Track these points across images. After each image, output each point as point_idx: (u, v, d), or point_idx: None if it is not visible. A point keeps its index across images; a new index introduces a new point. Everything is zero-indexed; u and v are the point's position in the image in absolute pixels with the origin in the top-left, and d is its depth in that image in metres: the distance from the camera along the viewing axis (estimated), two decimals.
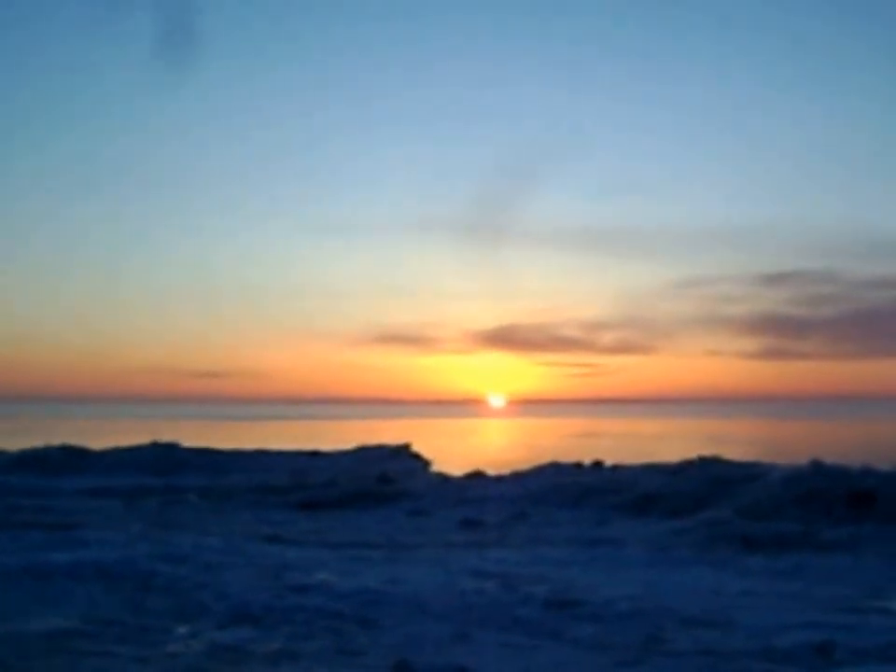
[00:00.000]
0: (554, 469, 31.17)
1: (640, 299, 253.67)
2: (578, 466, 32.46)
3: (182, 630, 10.99)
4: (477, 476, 30.98)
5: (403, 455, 39.81)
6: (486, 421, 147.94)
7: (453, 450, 58.20)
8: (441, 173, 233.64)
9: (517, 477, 29.93)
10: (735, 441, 69.52)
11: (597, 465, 32.84)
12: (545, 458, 33.61)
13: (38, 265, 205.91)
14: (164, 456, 36.39)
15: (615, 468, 31.99)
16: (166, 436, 42.17)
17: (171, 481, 30.99)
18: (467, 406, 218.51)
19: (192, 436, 51.91)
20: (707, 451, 34.14)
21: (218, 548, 16.54)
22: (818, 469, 24.23)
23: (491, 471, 32.07)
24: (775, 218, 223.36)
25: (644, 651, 9.89)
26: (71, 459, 36.17)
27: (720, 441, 65.95)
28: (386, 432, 68.87)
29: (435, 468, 37.38)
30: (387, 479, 29.26)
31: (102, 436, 55.74)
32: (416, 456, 39.86)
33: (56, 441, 39.96)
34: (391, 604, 11.95)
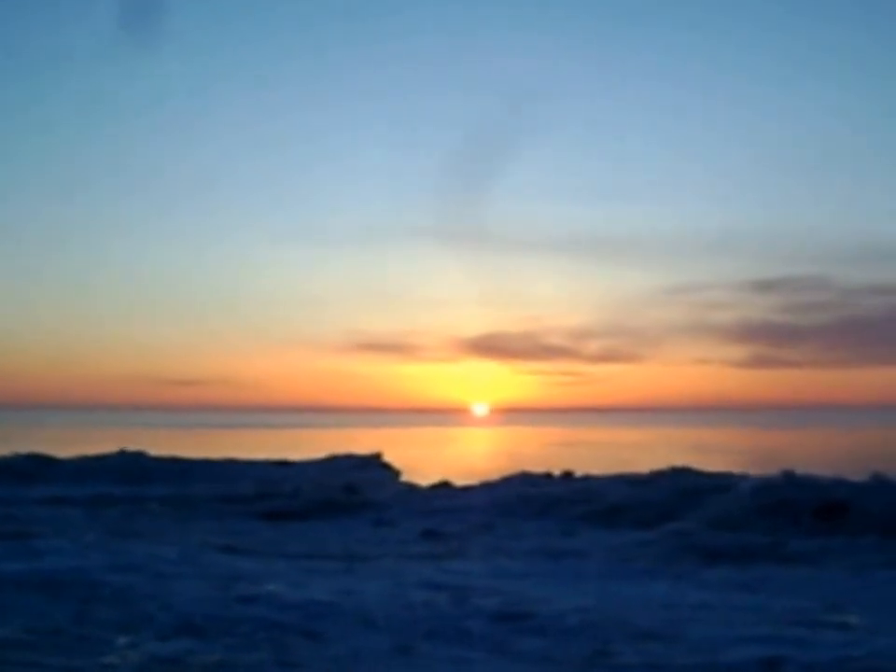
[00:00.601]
0: (523, 479, 31.04)
1: (627, 306, 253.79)
2: (547, 476, 32.36)
3: (123, 641, 10.76)
4: (444, 486, 30.81)
5: (373, 464, 39.67)
6: (468, 430, 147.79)
7: (428, 460, 58.05)
8: (425, 179, 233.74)
9: (485, 487, 29.78)
10: (718, 450, 69.58)
11: (567, 475, 32.74)
12: (520, 468, 33.49)
13: (10, 271, 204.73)
14: (131, 465, 36.13)
15: (585, 478, 31.88)
16: (137, 444, 41.96)
17: (135, 490, 30.71)
18: (449, 415, 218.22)
19: (164, 445, 51.68)
20: (689, 460, 34.13)
21: (172, 558, 16.29)
22: (789, 479, 24.16)
23: (461, 481, 31.91)
24: (764, 224, 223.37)
25: (588, 665, 9.72)
26: (37, 468, 35.86)
27: (702, 451, 65.99)
28: (363, 441, 68.58)
29: (406, 478, 37.26)
30: (353, 489, 29.07)
31: (72, 444, 55.32)
32: (386, 466, 39.72)
33: (26, 449, 39.71)
34: (338, 616, 11.74)
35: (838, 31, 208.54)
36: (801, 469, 25.51)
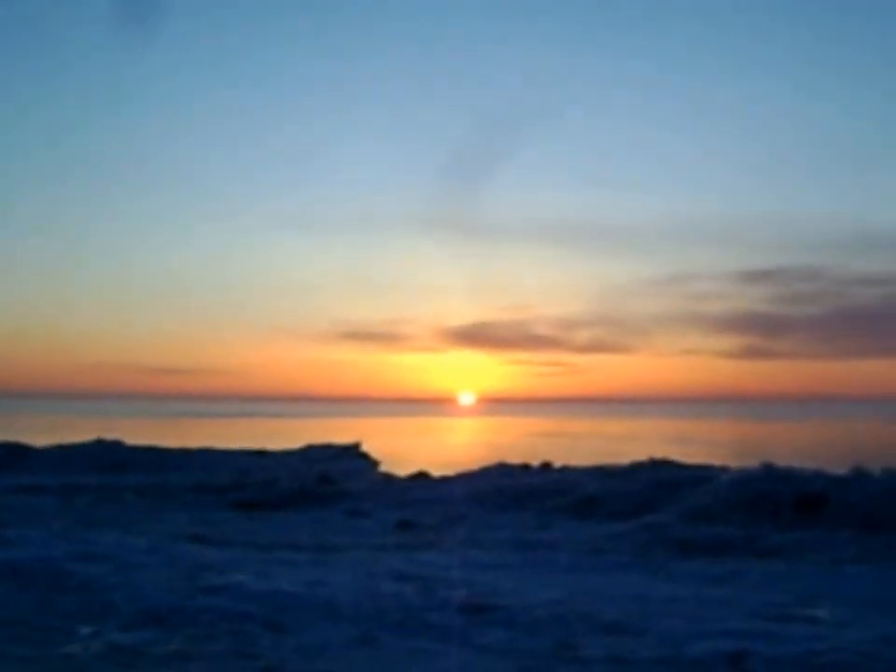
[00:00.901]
0: (501, 470, 31.00)
1: (616, 296, 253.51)
2: (525, 467, 32.28)
3: (84, 631, 10.65)
4: (421, 477, 30.73)
5: (351, 454, 39.53)
6: (454, 420, 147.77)
7: (409, 450, 57.92)
8: (413, 167, 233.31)
9: (462, 478, 29.70)
10: (704, 442, 69.58)
11: (545, 466, 32.66)
12: (501, 459, 33.40)
13: None
14: (107, 454, 35.97)
15: (563, 469, 31.81)
16: (115, 434, 41.78)
17: (110, 478, 30.56)
18: (436, 405, 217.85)
19: (142, 434, 51.46)
20: (674, 452, 34.06)
21: (140, 547, 16.16)
22: (768, 472, 24.07)
23: (441, 472, 31.83)
24: (756, 213, 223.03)
25: (552, 657, 9.62)
26: (12, 457, 35.70)
27: (689, 443, 65.98)
28: (345, 431, 68.36)
29: (385, 468, 37.12)
30: (328, 479, 28.95)
31: (49, 433, 55.07)
32: (364, 456, 39.60)
33: (2, 438, 39.51)
34: (302, 607, 11.62)
35: (833, 19, 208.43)
36: (787, 461, 25.47)
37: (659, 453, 32.28)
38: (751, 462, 25.83)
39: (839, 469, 24.13)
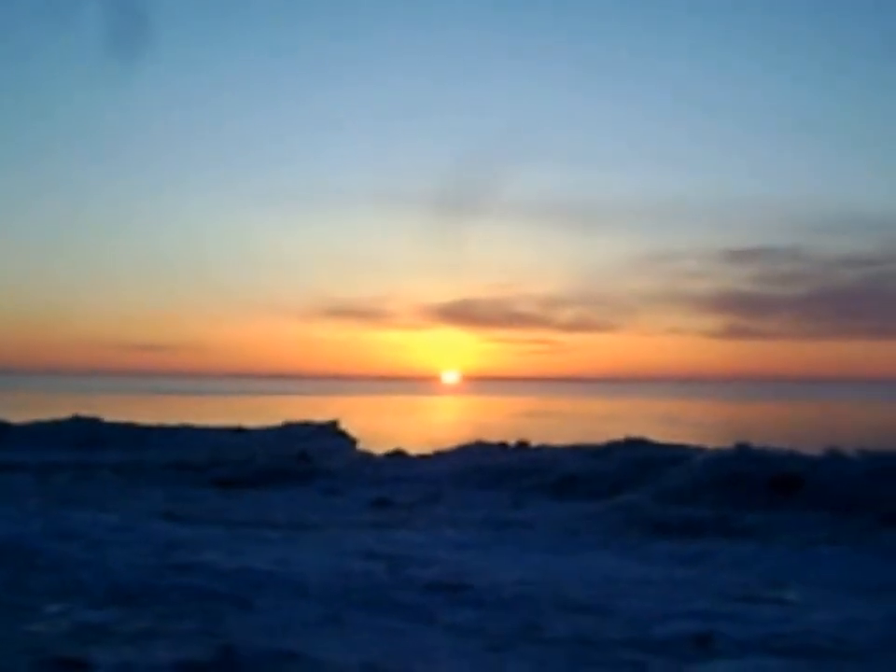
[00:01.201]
0: (478, 448, 31.03)
1: (600, 274, 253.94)
2: (502, 446, 32.31)
3: (53, 608, 10.63)
4: (397, 455, 30.75)
5: (329, 432, 39.50)
6: (436, 398, 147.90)
7: (389, 428, 58.02)
8: (397, 145, 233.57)
9: (438, 457, 29.73)
10: (686, 422, 69.81)
11: (522, 445, 32.71)
12: (480, 438, 33.41)
13: None
14: (84, 431, 35.87)
15: (539, 448, 31.87)
16: (94, 411, 41.68)
17: (87, 456, 30.49)
18: (419, 383, 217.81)
19: (122, 411, 51.34)
20: (655, 432, 34.07)
21: (113, 525, 16.15)
22: (743, 452, 24.11)
23: (420, 450, 31.86)
24: (742, 193, 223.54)
25: (517, 637, 9.64)
26: None
27: (671, 423, 66.21)
28: (326, 409, 68.34)
29: (363, 446, 37.12)
30: (305, 457, 28.95)
31: (27, 410, 54.91)
32: (343, 434, 39.59)
33: None
34: (271, 585, 11.63)
35: (816, 4, 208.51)
36: (767, 442, 25.45)
37: (641, 433, 32.27)
38: (736, 442, 25.85)
39: (819, 450, 24.16)
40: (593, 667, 8.43)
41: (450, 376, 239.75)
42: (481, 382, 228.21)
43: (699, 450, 27.45)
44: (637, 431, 32.63)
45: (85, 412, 40.09)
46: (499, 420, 75.32)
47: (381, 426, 60.62)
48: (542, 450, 31.23)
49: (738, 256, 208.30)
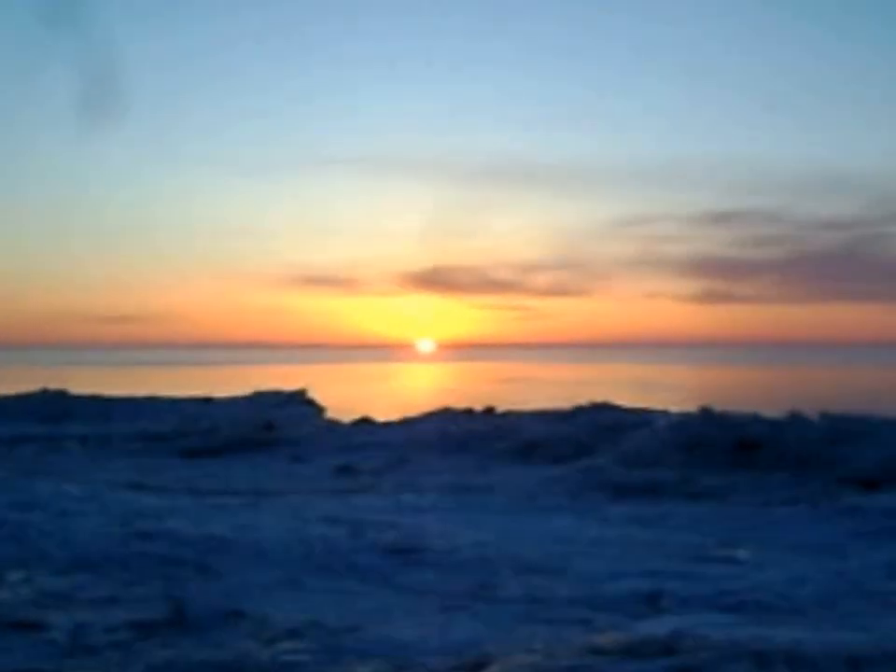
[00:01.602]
0: (444, 415, 31.18)
1: (577, 239, 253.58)
2: (469, 412, 32.49)
3: (15, 577, 10.75)
4: (363, 422, 30.92)
5: (297, 401, 39.56)
6: (410, 366, 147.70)
7: (359, 397, 58.09)
8: (371, 109, 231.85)
9: (404, 423, 29.90)
10: (660, 387, 70.07)
11: (489, 411, 32.90)
12: (449, 404, 33.53)
13: None
14: (51, 404, 35.83)
15: (506, 414, 32.08)
16: (62, 384, 41.52)
17: (54, 428, 30.49)
18: (393, 350, 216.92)
19: (90, 383, 51.13)
20: (630, 397, 34.26)
21: (77, 495, 16.22)
22: (706, 416, 24.39)
23: (385, 418, 32.03)
24: (719, 155, 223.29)
25: (469, 597, 9.86)
26: None
27: (644, 387, 66.52)
28: (297, 378, 68.11)
29: (331, 415, 37.24)
30: (271, 426, 29.08)
31: None
32: (310, 403, 39.66)
33: None
34: (232, 551, 11.81)
35: None
36: (737, 405, 25.74)
37: (614, 398, 32.52)
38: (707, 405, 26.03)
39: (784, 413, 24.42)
40: (540, 624, 8.64)
41: (425, 344, 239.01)
42: (456, 349, 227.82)
43: (664, 414, 27.76)
44: (610, 397, 32.86)
45: (53, 384, 39.97)
46: (472, 387, 75.47)
47: (350, 394, 60.77)
48: (508, 415, 31.44)
49: (716, 219, 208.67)
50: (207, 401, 39.83)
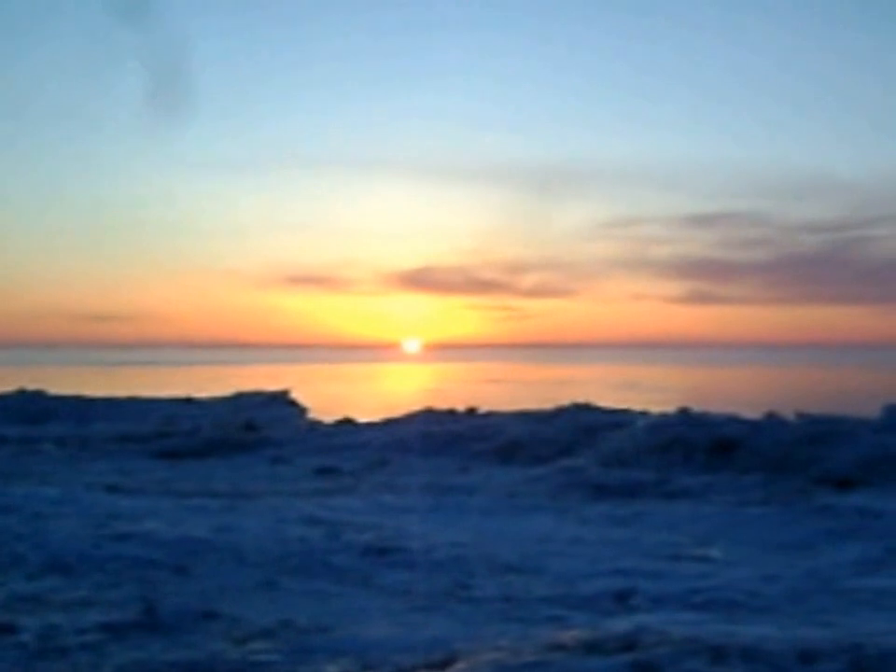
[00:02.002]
0: (426, 415, 31.17)
1: (563, 240, 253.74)
2: (451, 413, 32.48)
3: None
4: (345, 423, 30.92)
5: (280, 401, 39.53)
6: (396, 366, 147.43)
7: (341, 397, 58.03)
8: (357, 108, 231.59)
9: (386, 424, 29.89)
10: (644, 387, 70.16)
11: (471, 411, 32.91)
12: (432, 405, 33.50)
13: None
14: (30, 404, 35.70)
15: (487, 414, 32.10)
16: (42, 384, 41.36)
17: (32, 430, 30.41)
18: (379, 351, 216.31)
19: (70, 383, 51.01)
20: (612, 398, 34.25)
21: (53, 498, 16.22)
22: (683, 417, 24.52)
23: (368, 419, 32.00)
24: (705, 157, 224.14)
25: (445, 597, 9.93)
26: None
27: (629, 388, 66.64)
28: (282, 378, 68.01)
29: (314, 415, 37.20)
30: (253, 426, 29.04)
31: None
32: (293, 403, 39.63)
33: None
34: (209, 552, 11.82)
35: None
36: (718, 406, 25.84)
37: (598, 399, 32.61)
38: (690, 406, 26.10)
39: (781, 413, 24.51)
40: (514, 623, 8.71)
41: (411, 344, 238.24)
42: (443, 349, 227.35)
43: (643, 415, 27.87)
44: (594, 397, 32.95)
45: (32, 385, 39.83)
46: (457, 388, 75.43)
47: (334, 395, 60.73)
48: (490, 416, 31.46)
49: (702, 221, 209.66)
50: (189, 402, 39.74)
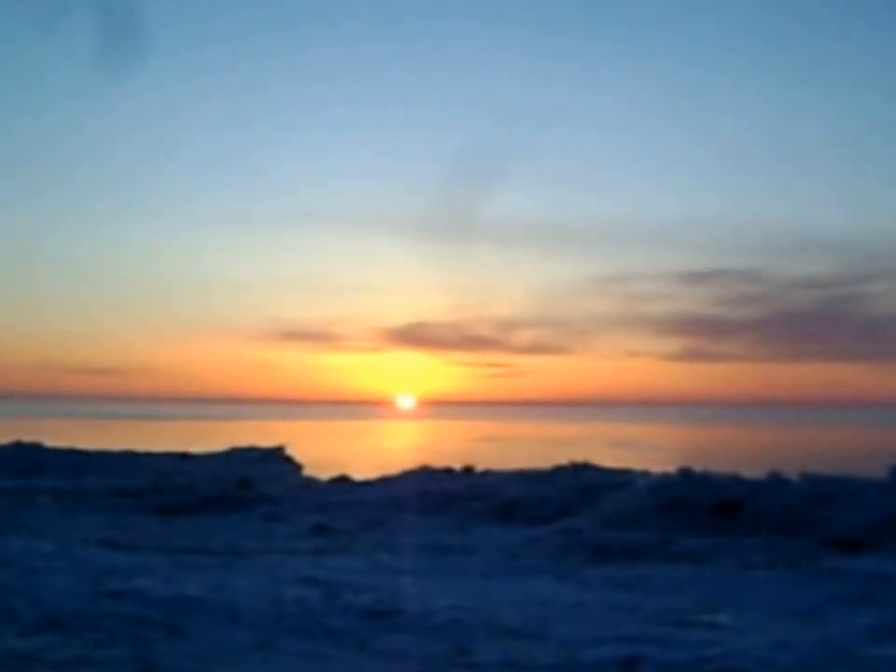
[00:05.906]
0: (423, 474, 30.85)
1: (557, 296, 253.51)
2: (448, 471, 32.19)
3: None
4: (341, 481, 30.64)
5: (275, 458, 39.19)
6: (390, 423, 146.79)
7: (337, 454, 57.67)
8: (350, 163, 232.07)
9: (382, 482, 29.59)
10: (641, 446, 69.73)
11: (468, 470, 32.63)
12: (429, 463, 33.21)
13: None
14: (25, 457, 35.41)
15: (485, 473, 31.81)
16: (38, 436, 41.10)
17: (27, 482, 30.13)
18: (373, 407, 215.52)
19: (66, 436, 50.66)
20: (612, 457, 34.00)
21: (47, 552, 16.00)
22: (685, 477, 24.24)
23: (364, 476, 31.72)
24: (698, 214, 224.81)
25: (445, 662, 9.68)
26: None
27: (625, 447, 66.24)
28: (276, 434, 67.55)
29: (309, 472, 36.89)
30: (248, 483, 28.75)
31: None
32: (288, 460, 39.31)
33: None
34: (204, 612, 11.58)
35: (781, 19, 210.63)
36: (718, 466, 25.55)
37: (595, 457, 32.30)
38: (686, 465, 25.80)
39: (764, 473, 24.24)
40: None
41: (405, 400, 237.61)
42: (436, 406, 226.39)
43: (644, 474, 27.57)
44: (590, 456, 32.59)
45: (28, 437, 39.56)
46: (452, 445, 74.97)
47: (329, 451, 60.30)
48: (488, 475, 31.16)
49: (696, 278, 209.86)
50: (184, 457, 39.40)
